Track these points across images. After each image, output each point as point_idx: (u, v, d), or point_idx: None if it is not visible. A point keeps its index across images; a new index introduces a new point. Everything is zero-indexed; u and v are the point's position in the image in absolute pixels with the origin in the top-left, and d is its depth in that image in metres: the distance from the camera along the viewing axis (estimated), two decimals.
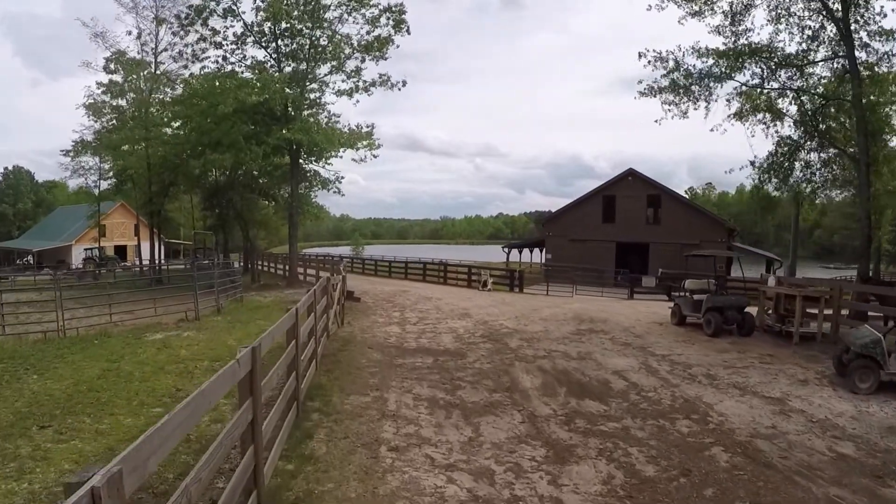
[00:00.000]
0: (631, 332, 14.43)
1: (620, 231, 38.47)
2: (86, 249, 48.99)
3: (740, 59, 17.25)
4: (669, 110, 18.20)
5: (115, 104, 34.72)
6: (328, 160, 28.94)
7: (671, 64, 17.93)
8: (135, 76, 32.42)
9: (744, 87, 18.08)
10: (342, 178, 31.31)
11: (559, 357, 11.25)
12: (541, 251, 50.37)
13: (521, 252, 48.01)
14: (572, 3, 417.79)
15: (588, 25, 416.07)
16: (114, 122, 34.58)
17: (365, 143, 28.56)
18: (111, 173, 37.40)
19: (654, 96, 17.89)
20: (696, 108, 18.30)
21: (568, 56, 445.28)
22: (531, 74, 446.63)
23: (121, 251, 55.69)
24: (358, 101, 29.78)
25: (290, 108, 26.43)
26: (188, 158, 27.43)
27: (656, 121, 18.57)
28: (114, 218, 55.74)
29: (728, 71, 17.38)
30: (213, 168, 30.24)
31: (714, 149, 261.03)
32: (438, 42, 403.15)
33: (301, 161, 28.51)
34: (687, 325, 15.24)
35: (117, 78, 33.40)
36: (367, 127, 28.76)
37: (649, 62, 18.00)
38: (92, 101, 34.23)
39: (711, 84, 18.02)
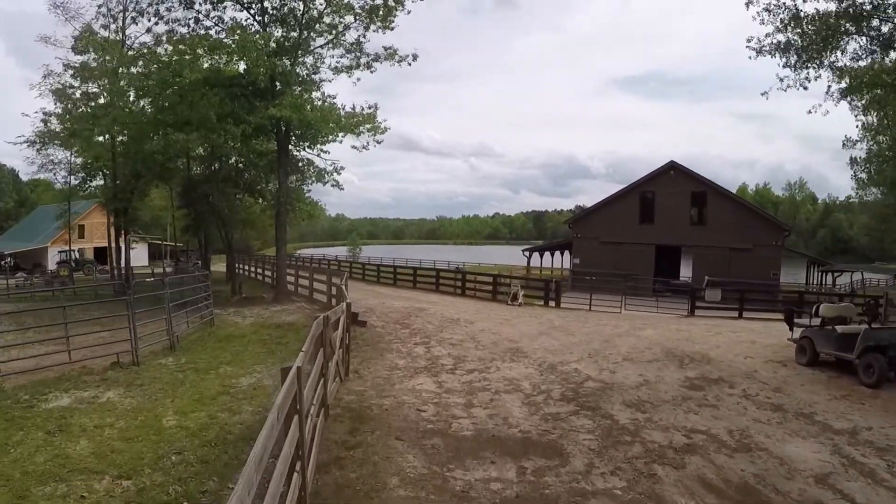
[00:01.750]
0: (759, 380, 10.29)
1: (660, 232, 33.92)
2: (60, 252, 44.73)
3: None
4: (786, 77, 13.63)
5: (85, 90, 29.98)
6: (324, 145, 24.44)
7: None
8: (109, 56, 27.55)
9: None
10: (341, 168, 26.58)
11: (710, 446, 6.92)
12: (562, 254, 46.03)
13: (542, 256, 43.42)
14: (567, 3, 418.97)
15: (583, 25, 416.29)
16: (83, 108, 29.77)
17: (368, 126, 24.04)
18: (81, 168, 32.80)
19: (774, 55, 13.28)
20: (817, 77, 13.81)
21: (562, 56, 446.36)
22: (525, 74, 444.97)
23: (101, 253, 51.07)
24: (359, 80, 25.05)
25: (277, 83, 21.80)
26: (149, 140, 22.60)
27: (763, 93, 14.07)
28: (93, 217, 51.07)
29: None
30: (178, 153, 25.46)
31: (707, 150, 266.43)
32: (432, 42, 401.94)
33: (291, 147, 23.87)
34: (818, 365, 11.46)
35: (87, 58, 28.63)
36: (370, 108, 24.19)
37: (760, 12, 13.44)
38: (59, 85, 29.52)
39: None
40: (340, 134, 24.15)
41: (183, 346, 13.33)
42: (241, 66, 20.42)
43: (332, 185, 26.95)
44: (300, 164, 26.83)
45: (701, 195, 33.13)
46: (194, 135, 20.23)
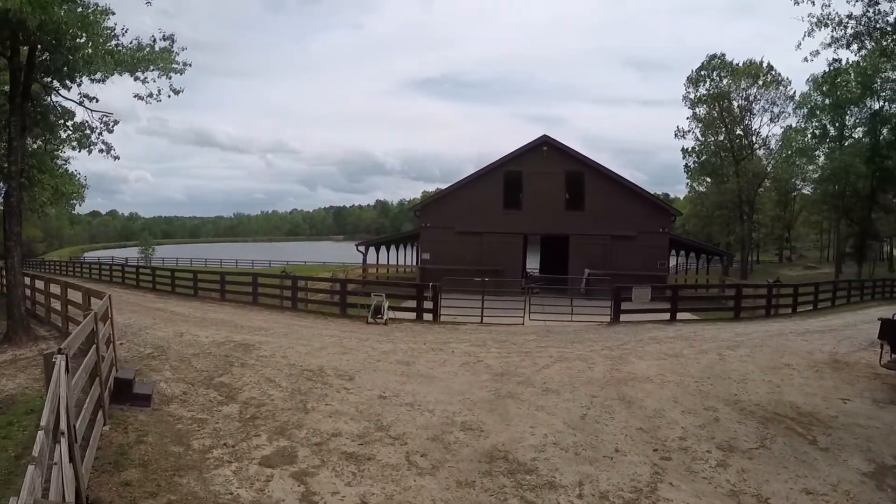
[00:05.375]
0: None
1: (530, 220, 29.14)
2: None
3: None
4: None
5: None
6: (91, 77, 16.33)
7: None
8: None
9: None
10: (115, 122, 18.05)
11: None
12: (406, 248, 39.75)
13: (378, 250, 36.56)
14: (368, 2, 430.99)
15: (383, 24, 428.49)
16: None
17: (159, 65, 16.37)
18: None
19: None
20: None
21: (361, 54, 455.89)
22: (325, 71, 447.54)
23: None
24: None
25: None
26: None
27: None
28: None
29: None
30: None
31: (499, 149, 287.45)
32: (231, 34, 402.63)
33: (36, 84, 15.40)
34: None
35: None
36: (165, 39, 16.71)
37: None
38: None
39: None
40: (116, 70, 16.28)
41: None
42: None
43: (101, 151, 18.17)
44: (49, 112, 17.44)
45: (577, 176, 28.94)
46: None
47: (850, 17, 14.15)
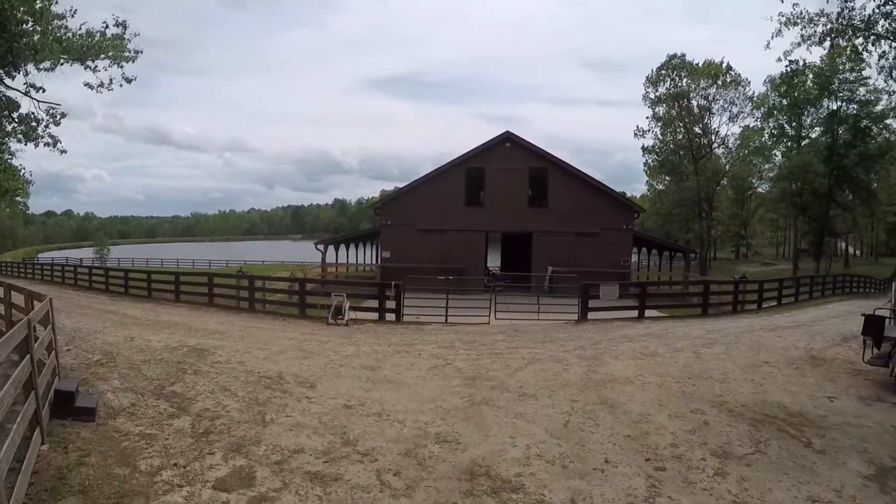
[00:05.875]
0: None
1: (493, 217, 28.73)
2: None
3: None
4: None
5: None
6: (38, 66, 15.39)
7: None
8: None
9: None
10: (62, 114, 17.32)
11: None
12: (367, 246, 38.99)
13: (337, 249, 35.60)
14: (330, 0, 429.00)
15: (344, 23, 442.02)
16: None
17: (110, 53, 15.57)
18: None
19: None
20: None
21: (321, 53, 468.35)
22: (284, 70, 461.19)
23: None
24: None
25: None
26: None
27: None
28: None
29: None
30: None
31: (457, 149, 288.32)
32: (189, 31, 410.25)
33: None
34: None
35: None
36: (118, 25, 16.54)
37: None
38: None
39: None
40: (63, 59, 15.71)
41: None
42: None
43: (47, 145, 17.23)
44: None
45: (541, 172, 28.66)
46: None
47: (821, 14, 14.14)
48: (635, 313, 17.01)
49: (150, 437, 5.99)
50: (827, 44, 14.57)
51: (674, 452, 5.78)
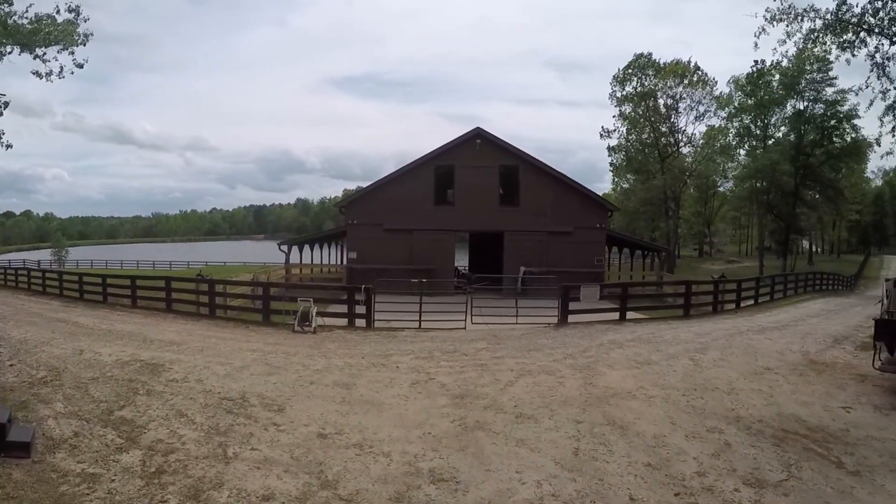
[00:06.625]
0: None
1: (463, 216, 27.96)
2: None
3: None
4: None
5: None
6: None
7: None
8: None
9: None
10: (5, 103, 16.61)
11: None
12: (332, 246, 37.85)
13: (301, 249, 34.32)
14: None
15: (305, 21, 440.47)
16: None
17: (61, 41, 15.51)
18: None
19: None
20: None
21: (283, 51, 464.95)
22: (245, 68, 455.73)
23: None
24: None
25: None
26: None
27: None
28: None
29: None
30: None
31: (419, 147, 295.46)
32: (151, 28, 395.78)
33: None
34: None
35: None
36: (70, 11, 15.46)
37: None
38: None
39: None
40: (9, 45, 14.92)
41: None
42: None
43: None
44: None
45: (512, 170, 28.00)
46: None
47: (810, 9, 13.88)
48: (616, 315, 16.51)
49: (94, 478, 5.06)
50: (829, 39, 14.34)
51: (703, 483, 5.09)
